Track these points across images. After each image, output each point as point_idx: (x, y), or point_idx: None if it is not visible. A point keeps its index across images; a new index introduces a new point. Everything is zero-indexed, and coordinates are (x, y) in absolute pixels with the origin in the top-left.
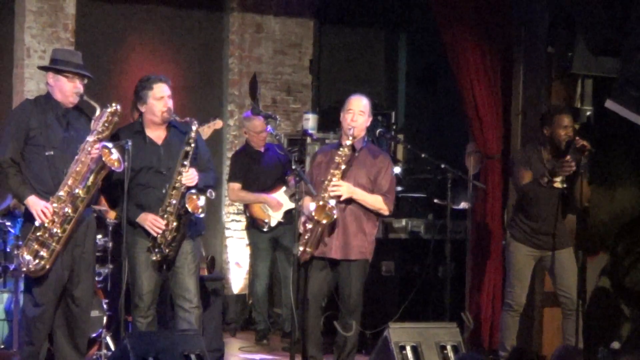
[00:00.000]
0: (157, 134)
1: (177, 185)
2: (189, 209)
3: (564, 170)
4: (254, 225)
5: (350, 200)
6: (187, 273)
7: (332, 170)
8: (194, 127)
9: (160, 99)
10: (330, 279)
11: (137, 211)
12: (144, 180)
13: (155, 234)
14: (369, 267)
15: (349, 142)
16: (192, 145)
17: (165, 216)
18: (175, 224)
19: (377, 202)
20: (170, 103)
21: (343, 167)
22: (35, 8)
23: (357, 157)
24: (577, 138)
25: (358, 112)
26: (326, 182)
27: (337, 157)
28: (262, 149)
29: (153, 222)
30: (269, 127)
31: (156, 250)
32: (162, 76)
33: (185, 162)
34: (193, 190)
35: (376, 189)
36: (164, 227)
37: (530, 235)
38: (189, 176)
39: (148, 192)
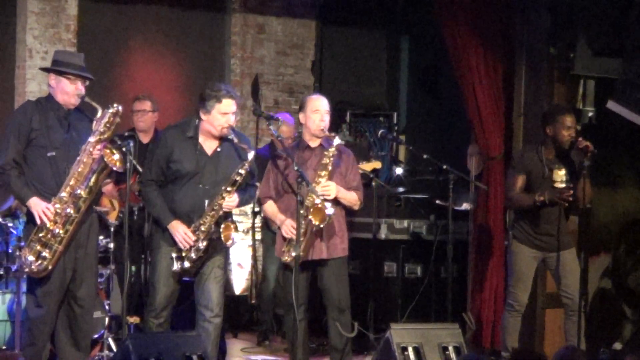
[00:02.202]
0: (209, 144)
1: (216, 207)
2: (222, 237)
3: (561, 200)
4: (267, 226)
5: (333, 200)
6: (213, 281)
7: (319, 172)
8: (250, 157)
9: (224, 114)
10: (310, 281)
11: (170, 217)
12: (183, 187)
13: (182, 247)
14: (371, 269)
15: (336, 142)
16: (243, 176)
17: (197, 233)
18: (204, 244)
19: (353, 198)
20: (232, 120)
21: (330, 168)
22: (37, 9)
23: None
24: (580, 139)
25: (325, 111)
26: (313, 184)
27: (324, 159)
28: None
29: (183, 235)
30: (273, 129)
31: (179, 261)
32: (232, 91)
33: (230, 189)
34: (231, 219)
35: (347, 184)
36: (192, 243)
37: (532, 236)
38: (230, 202)
39: (183, 200)
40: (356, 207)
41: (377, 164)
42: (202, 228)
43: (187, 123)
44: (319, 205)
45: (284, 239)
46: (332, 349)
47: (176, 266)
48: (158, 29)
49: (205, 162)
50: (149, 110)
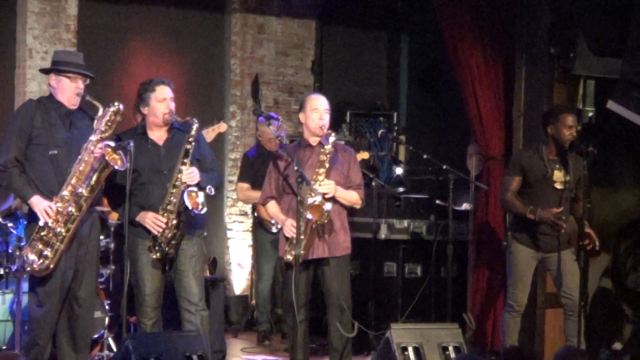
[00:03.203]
0: (158, 135)
1: (177, 183)
2: (189, 206)
3: (554, 226)
4: (261, 225)
5: (331, 198)
6: (192, 276)
7: (316, 169)
8: (194, 126)
9: (162, 100)
10: (311, 280)
11: (137, 210)
12: (145, 180)
13: (155, 232)
14: (371, 269)
15: (332, 139)
16: (193, 143)
17: (166, 214)
18: (175, 221)
19: (353, 197)
20: (172, 105)
21: (327, 165)
22: (37, 9)
23: None
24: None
25: (324, 110)
26: (312, 182)
27: (321, 156)
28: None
29: (153, 220)
30: (272, 129)
31: (156, 248)
32: (164, 79)
33: (186, 161)
34: (192, 188)
35: (348, 183)
36: (164, 225)
37: (531, 236)
38: (190, 174)
39: (149, 192)
40: (357, 206)
41: (364, 155)
42: (169, 207)
43: (136, 126)
44: (317, 202)
45: (286, 238)
46: (332, 348)
47: (156, 254)
48: (158, 29)
49: (159, 151)
50: None
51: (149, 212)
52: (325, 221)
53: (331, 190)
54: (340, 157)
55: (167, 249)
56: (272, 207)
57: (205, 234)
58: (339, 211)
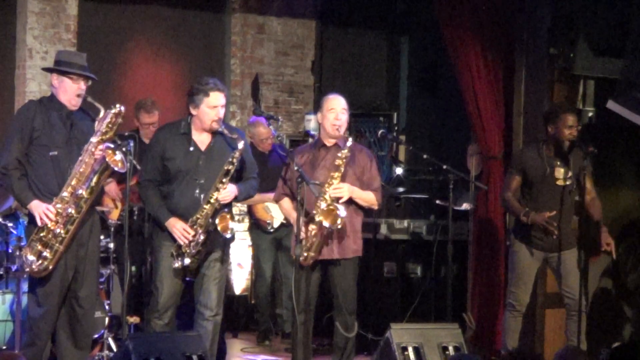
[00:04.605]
0: (202, 139)
1: (212, 200)
2: (218, 228)
3: (545, 229)
4: (257, 226)
5: (345, 201)
6: (213, 281)
7: (331, 174)
8: (240, 146)
9: (213, 107)
10: (320, 281)
11: (167, 215)
12: (179, 184)
13: (181, 243)
14: (371, 269)
15: (349, 143)
16: (235, 164)
17: (195, 227)
18: (202, 237)
19: (370, 198)
20: (222, 113)
21: (342, 169)
22: (37, 9)
23: None
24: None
25: (341, 110)
26: (326, 185)
27: (337, 160)
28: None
29: (181, 231)
30: (272, 129)
31: (179, 258)
32: (220, 84)
33: (224, 180)
34: (226, 209)
35: (365, 185)
36: (191, 238)
37: (534, 236)
38: (226, 194)
39: (181, 197)
40: (375, 207)
41: None
42: (200, 222)
43: (180, 121)
44: (331, 207)
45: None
46: (335, 347)
47: (177, 263)
48: (158, 29)
49: (199, 157)
50: (157, 121)
51: (178, 221)
52: (339, 227)
53: (344, 193)
54: (356, 159)
55: (188, 261)
56: (286, 203)
57: (233, 239)
58: (350, 213)
